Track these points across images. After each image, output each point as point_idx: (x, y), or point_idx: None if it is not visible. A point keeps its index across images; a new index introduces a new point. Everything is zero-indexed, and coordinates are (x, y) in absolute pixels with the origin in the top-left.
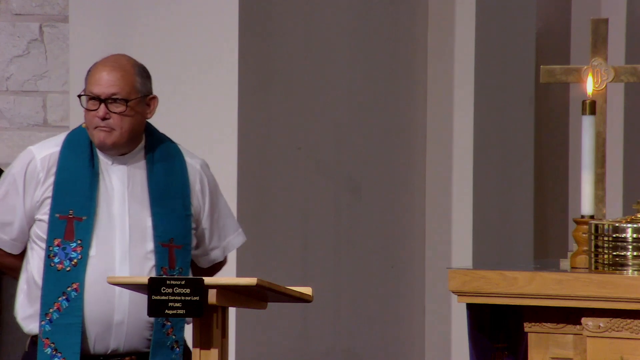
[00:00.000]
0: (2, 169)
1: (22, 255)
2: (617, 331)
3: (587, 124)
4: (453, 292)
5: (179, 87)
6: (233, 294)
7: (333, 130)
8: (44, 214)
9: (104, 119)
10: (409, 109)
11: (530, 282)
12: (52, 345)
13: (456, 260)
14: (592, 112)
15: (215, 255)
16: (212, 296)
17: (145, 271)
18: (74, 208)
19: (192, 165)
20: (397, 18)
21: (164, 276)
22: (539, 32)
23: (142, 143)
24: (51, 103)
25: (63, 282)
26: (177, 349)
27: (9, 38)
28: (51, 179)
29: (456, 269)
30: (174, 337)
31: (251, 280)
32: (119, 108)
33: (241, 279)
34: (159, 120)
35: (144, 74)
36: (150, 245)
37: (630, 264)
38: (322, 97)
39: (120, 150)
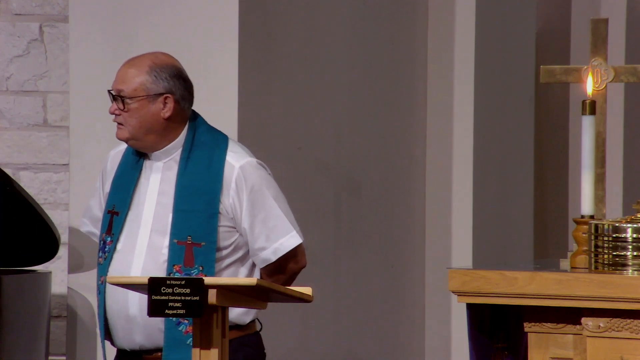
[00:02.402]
0: (2, 169)
1: None
2: (617, 331)
3: (587, 124)
4: (453, 292)
5: None
6: (233, 294)
7: (333, 130)
8: None
9: (113, 113)
10: (409, 108)
11: (530, 282)
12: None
13: (456, 260)
14: (592, 112)
15: (266, 256)
16: (212, 296)
17: (156, 268)
18: (116, 203)
19: (231, 164)
20: (397, 18)
21: (163, 276)
22: (539, 32)
23: (181, 140)
24: (51, 103)
25: (99, 276)
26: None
27: (9, 38)
28: (113, 175)
29: (456, 269)
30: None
31: (251, 280)
32: (120, 105)
33: (241, 279)
34: None
35: (161, 74)
36: (166, 241)
37: (630, 264)
38: (322, 97)
39: (144, 146)
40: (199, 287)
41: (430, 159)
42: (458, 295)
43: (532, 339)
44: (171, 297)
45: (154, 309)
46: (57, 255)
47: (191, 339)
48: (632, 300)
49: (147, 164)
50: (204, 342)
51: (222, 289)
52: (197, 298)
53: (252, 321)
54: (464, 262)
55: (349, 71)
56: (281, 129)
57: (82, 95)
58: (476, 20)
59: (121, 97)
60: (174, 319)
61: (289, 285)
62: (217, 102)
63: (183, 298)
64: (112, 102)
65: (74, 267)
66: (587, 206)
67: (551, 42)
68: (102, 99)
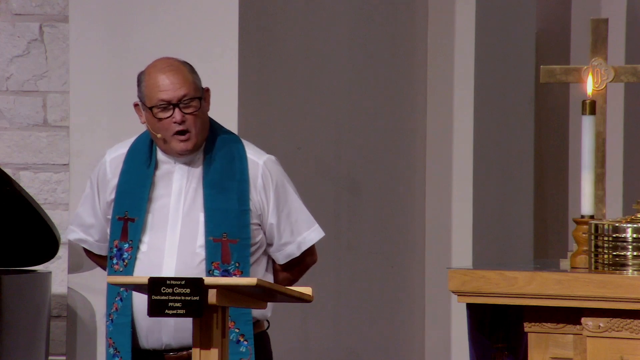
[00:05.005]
0: (2, 168)
1: None
2: (617, 331)
3: (587, 124)
4: (453, 292)
5: None
6: (233, 294)
7: (333, 130)
8: (109, 216)
9: (182, 122)
10: (409, 109)
11: (530, 282)
12: (114, 344)
13: (456, 260)
14: (592, 112)
15: (290, 250)
16: (212, 296)
17: (193, 266)
18: (128, 209)
19: (254, 161)
20: (397, 18)
21: (164, 276)
22: (539, 32)
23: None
24: (51, 103)
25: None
26: (245, 342)
27: (9, 38)
28: (115, 180)
29: (456, 269)
30: (237, 330)
31: (251, 280)
32: (191, 108)
33: (241, 278)
34: None
35: (194, 70)
36: (201, 240)
37: (630, 264)
38: (322, 97)
39: (197, 150)
40: (199, 287)
41: (430, 159)
42: (458, 295)
43: (532, 339)
44: (171, 297)
45: (154, 309)
46: (57, 255)
47: (234, 334)
48: (632, 300)
49: (165, 167)
50: (204, 342)
51: (222, 289)
52: (197, 298)
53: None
54: (464, 262)
55: (349, 71)
56: (281, 129)
57: (82, 95)
58: (476, 20)
59: (187, 101)
60: None
61: (298, 281)
62: (217, 102)
63: (183, 298)
64: (171, 114)
65: (74, 267)
66: (587, 206)
67: (551, 42)
68: (102, 99)
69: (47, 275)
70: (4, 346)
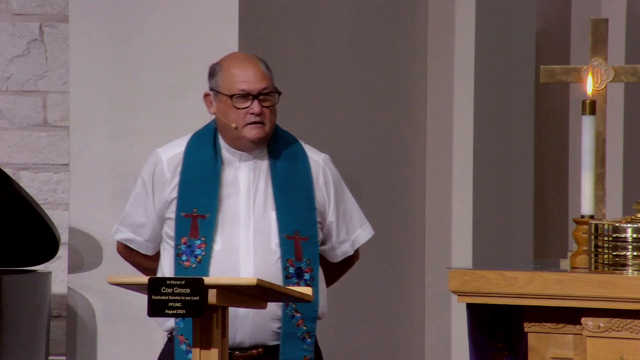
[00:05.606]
0: (2, 168)
1: (157, 256)
2: (617, 331)
3: (587, 124)
4: (453, 292)
5: (179, 87)
6: (233, 294)
7: (333, 130)
8: (172, 213)
9: (259, 114)
10: (409, 109)
11: (530, 282)
12: (187, 341)
13: (456, 260)
14: (592, 112)
15: (345, 248)
16: (212, 296)
17: (270, 264)
18: (197, 206)
19: (315, 159)
20: (397, 18)
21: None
22: (539, 32)
23: None
24: (51, 103)
25: None
26: (309, 340)
27: (9, 38)
28: (177, 179)
29: (456, 269)
30: (304, 327)
31: (251, 280)
32: (268, 102)
33: (241, 278)
34: (159, 120)
35: (270, 68)
36: (275, 238)
37: (630, 264)
38: (322, 97)
39: (265, 143)
40: (199, 287)
41: (430, 159)
42: (458, 295)
43: (532, 339)
44: (171, 297)
45: (154, 309)
46: (57, 255)
47: (302, 331)
48: (632, 300)
49: (230, 164)
50: (204, 342)
51: (222, 289)
52: (197, 298)
53: None
54: (464, 262)
55: (349, 71)
56: None
57: (82, 95)
58: (476, 20)
59: (267, 94)
60: (289, 312)
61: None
62: None
63: (183, 298)
64: (246, 105)
65: (74, 267)
66: (587, 206)
67: (551, 42)
68: (102, 99)
69: (47, 275)
70: (4, 346)
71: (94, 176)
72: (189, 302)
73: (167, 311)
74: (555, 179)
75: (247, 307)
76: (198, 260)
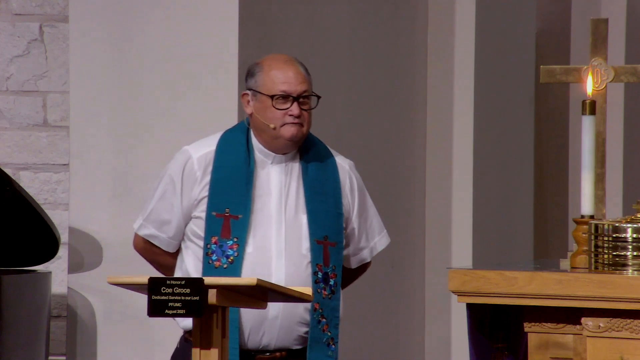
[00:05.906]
0: (2, 168)
1: (176, 254)
2: (617, 331)
3: (587, 124)
4: (453, 292)
5: (179, 87)
6: (233, 294)
7: (333, 130)
8: (201, 212)
9: (298, 116)
10: (409, 109)
11: (530, 282)
12: None
13: (456, 260)
14: (592, 112)
15: (364, 255)
16: (212, 296)
17: (301, 268)
18: (230, 206)
19: (342, 165)
20: (397, 18)
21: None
22: (539, 32)
23: None
24: (51, 103)
25: None
26: (333, 346)
27: (9, 38)
28: (207, 178)
29: (456, 269)
30: (329, 333)
31: (251, 280)
32: (307, 105)
33: (241, 279)
34: (159, 120)
35: (309, 72)
36: (306, 242)
37: (630, 264)
38: (322, 97)
39: (298, 146)
40: (199, 287)
41: (430, 159)
42: (458, 295)
43: (532, 339)
44: (171, 297)
45: (154, 309)
46: (57, 255)
47: (327, 337)
48: (632, 300)
49: (262, 166)
50: (204, 342)
51: (222, 289)
52: (197, 298)
53: None
54: (464, 262)
55: (349, 70)
56: None
57: (82, 95)
58: (476, 20)
59: (307, 97)
60: (316, 317)
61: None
62: (217, 102)
63: (183, 298)
64: (286, 107)
65: (74, 267)
66: (587, 206)
67: (551, 42)
68: (102, 99)
69: (47, 275)
70: (4, 346)
71: (94, 176)
72: (189, 302)
73: (167, 311)
74: (555, 179)
75: (246, 307)
76: (230, 260)
